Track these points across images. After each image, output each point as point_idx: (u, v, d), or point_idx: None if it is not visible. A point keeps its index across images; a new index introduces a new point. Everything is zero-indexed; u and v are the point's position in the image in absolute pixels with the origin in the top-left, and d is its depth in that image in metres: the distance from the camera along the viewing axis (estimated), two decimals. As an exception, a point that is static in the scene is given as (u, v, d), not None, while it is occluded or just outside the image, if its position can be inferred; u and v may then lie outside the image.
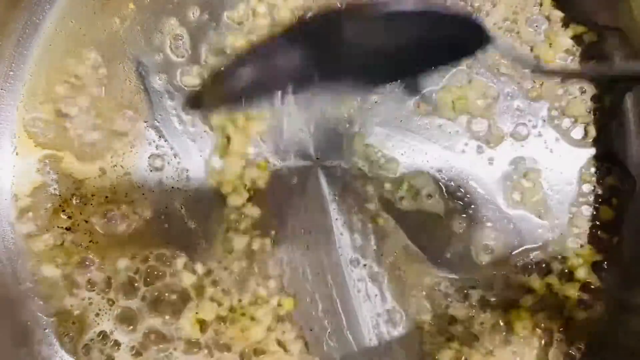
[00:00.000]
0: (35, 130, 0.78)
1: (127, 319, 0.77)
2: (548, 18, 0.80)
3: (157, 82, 0.79)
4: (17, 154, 0.78)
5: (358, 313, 0.79)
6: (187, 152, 0.79)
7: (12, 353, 0.75)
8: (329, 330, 0.79)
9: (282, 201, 0.79)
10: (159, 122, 0.79)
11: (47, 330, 0.77)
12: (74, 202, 0.78)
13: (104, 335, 0.77)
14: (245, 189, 0.78)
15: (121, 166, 0.78)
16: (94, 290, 0.77)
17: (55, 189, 0.78)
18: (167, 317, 0.77)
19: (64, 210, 0.77)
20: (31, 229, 0.77)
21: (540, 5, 0.80)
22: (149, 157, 0.79)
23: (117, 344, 0.77)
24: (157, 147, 0.79)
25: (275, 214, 0.79)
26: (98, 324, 0.77)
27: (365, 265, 0.80)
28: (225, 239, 0.78)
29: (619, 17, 0.76)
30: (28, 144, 0.78)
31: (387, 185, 0.80)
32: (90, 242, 0.77)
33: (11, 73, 0.78)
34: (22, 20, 0.77)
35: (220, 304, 0.77)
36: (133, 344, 0.77)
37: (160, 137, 0.79)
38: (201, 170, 0.79)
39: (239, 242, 0.78)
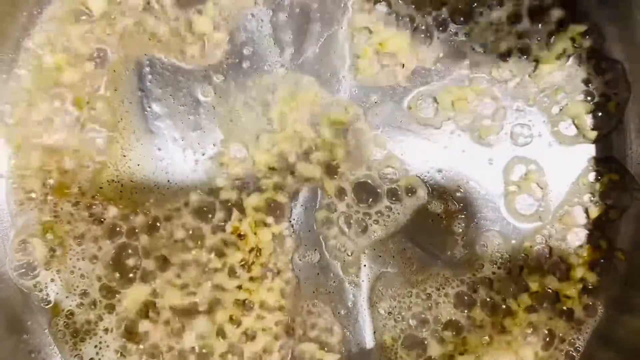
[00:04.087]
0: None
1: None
2: (548, 18, 0.80)
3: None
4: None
5: (358, 314, 0.79)
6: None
7: (6, 343, 0.75)
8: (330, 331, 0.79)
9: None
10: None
11: (44, 326, 0.77)
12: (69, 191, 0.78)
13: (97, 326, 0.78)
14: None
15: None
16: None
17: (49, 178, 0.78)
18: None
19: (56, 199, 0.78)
20: (26, 220, 0.77)
21: (541, 4, 0.80)
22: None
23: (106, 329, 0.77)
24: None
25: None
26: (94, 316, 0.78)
27: (365, 265, 0.80)
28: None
29: (620, 17, 0.76)
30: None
31: (387, 185, 0.80)
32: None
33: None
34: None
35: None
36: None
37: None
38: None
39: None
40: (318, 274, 0.80)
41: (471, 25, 0.80)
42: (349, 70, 0.80)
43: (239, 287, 0.78)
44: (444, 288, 0.79)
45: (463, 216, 0.80)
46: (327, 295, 0.79)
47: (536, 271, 0.79)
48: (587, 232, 0.80)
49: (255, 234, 0.78)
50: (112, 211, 0.78)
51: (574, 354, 0.78)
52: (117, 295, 0.77)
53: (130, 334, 0.77)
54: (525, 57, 0.80)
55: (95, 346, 0.77)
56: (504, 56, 0.80)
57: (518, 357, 0.78)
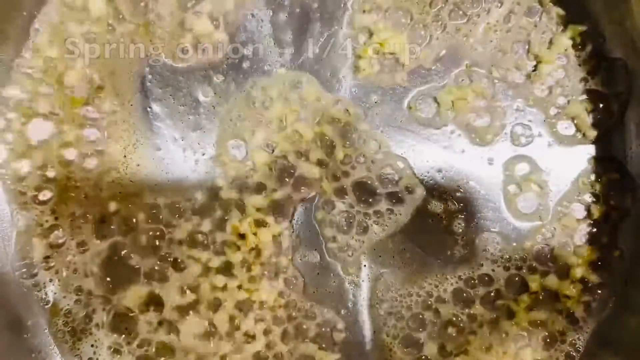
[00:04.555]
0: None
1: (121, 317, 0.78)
2: (547, 18, 0.80)
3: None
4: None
5: (358, 314, 0.79)
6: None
7: (6, 343, 0.75)
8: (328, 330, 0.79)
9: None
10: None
11: (44, 327, 0.78)
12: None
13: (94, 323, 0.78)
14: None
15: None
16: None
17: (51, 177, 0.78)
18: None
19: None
20: (26, 220, 0.78)
21: (541, 4, 0.80)
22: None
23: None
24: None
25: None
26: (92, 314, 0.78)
27: (365, 265, 0.80)
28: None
29: (620, 17, 0.76)
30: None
31: (387, 185, 0.80)
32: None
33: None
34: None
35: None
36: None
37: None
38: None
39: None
40: (318, 274, 0.80)
41: (471, 25, 0.80)
42: (349, 70, 0.80)
43: (239, 287, 0.78)
44: (443, 288, 0.79)
45: (463, 216, 0.80)
46: (327, 295, 0.79)
47: (536, 271, 0.79)
48: (587, 231, 0.80)
49: (255, 234, 0.78)
50: (113, 211, 0.78)
51: (574, 354, 0.78)
52: (115, 295, 0.77)
53: (129, 333, 0.77)
54: (525, 56, 0.80)
55: (92, 345, 0.77)
56: (504, 56, 0.80)
57: (518, 357, 0.78)
